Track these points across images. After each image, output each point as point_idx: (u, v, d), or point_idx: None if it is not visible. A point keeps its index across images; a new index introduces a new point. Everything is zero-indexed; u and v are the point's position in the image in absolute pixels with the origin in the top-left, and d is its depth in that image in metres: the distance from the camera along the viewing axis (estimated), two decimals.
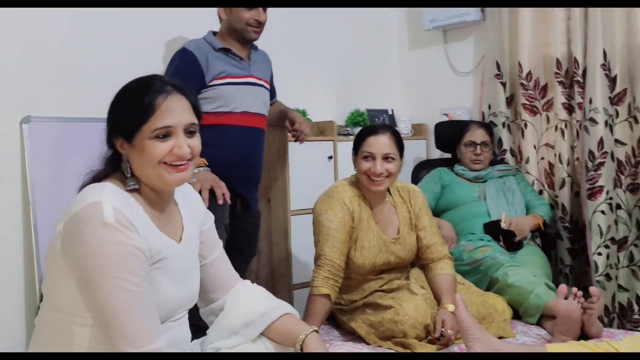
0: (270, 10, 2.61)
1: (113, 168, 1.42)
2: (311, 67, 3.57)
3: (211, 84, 2.46)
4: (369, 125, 2.94)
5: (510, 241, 2.75)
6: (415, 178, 3.28)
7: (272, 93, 2.79)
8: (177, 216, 1.52)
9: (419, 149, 3.72)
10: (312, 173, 3.10)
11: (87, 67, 2.62)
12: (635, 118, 2.82)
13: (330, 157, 3.21)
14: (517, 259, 2.64)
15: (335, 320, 2.37)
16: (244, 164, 2.55)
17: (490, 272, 2.52)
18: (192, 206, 1.59)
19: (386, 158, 2.21)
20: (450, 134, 3.31)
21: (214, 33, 2.60)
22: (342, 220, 2.20)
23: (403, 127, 3.69)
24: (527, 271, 2.47)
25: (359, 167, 2.25)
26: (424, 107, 3.86)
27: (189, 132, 1.39)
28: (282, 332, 1.58)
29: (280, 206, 3.01)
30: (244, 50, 2.58)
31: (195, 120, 1.41)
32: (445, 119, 3.62)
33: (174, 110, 1.36)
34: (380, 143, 2.21)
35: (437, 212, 3.00)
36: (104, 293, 1.25)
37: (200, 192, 2.22)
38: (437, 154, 3.61)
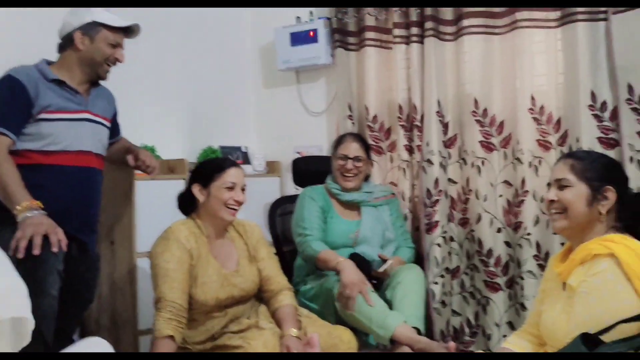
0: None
1: None
2: (162, 102, 3.80)
3: (40, 117, 2.44)
4: (218, 158, 3.20)
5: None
6: (273, 215, 3.62)
7: (116, 131, 2.87)
8: None
9: (272, 187, 4.13)
10: (162, 213, 2.98)
11: None
12: (464, 160, 3.47)
13: None
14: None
15: None
16: (79, 205, 2.56)
17: (332, 288, 2.89)
18: None
19: (242, 189, 2.59)
20: (308, 169, 3.71)
21: (49, 62, 2.58)
22: (179, 259, 2.41)
23: (257, 164, 4.10)
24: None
25: (218, 197, 2.52)
26: (278, 145, 4.29)
27: None
28: None
29: (125, 248, 3.08)
30: (85, 84, 2.60)
31: None
32: (299, 157, 4.10)
33: None
34: (242, 175, 2.60)
35: None
36: None
37: (32, 238, 2.25)
38: (291, 190, 4.04)
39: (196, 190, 2.57)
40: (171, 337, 2.31)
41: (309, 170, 3.71)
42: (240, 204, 2.57)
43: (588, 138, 3.02)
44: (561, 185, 1.99)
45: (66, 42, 2.58)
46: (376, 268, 3.08)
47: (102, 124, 2.68)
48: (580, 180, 1.96)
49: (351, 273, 2.88)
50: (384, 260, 3.14)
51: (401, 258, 3.26)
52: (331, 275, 3.00)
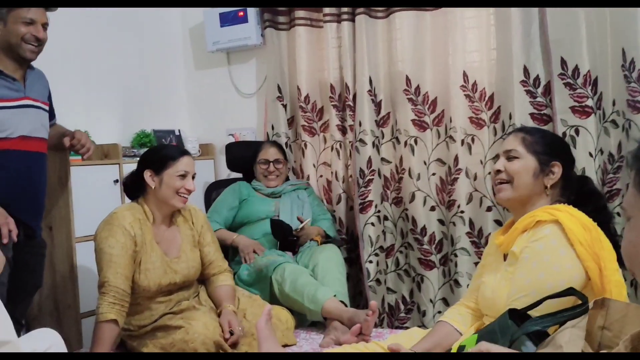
0: (49, 27, 2.53)
1: None
2: (93, 86, 3.54)
3: None
4: (171, 146, 3.08)
5: (288, 241, 3.07)
6: (209, 198, 3.46)
7: (52, 114, 2.72)
8: None
9: (207, 170, 3.87)
10: (97, 198, 3.07)
11: None
12: (397, 139, 3.25)
13: (116, 181, 3.22)
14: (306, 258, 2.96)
15: (125, 347, 2.45)
16: (26, 191, 2.46)
17: (269, 274, 2.79)
18: None
19: (193, 177, 2.48)
20: (241, 154, 3.53)
21: None
22: (124, 246, 2.32)
23: (191, 148, 3.79)
24: (302, 272, 2.76)
25: (171, 185, 2.41)
26: (211, 128, 4.02)
27: None
28: None
29: (63, 234, 2.95)
30: (19, 70, 2.47)
31: None
32: (232, 139, 3.82)
33: None
34: (193, 163, 2.50)
35: (235, 227, 3.20)
36: None
37: None
38: (224, 174, 3.80)
39: (147, 176, 2.44)
40: (114, 320, 2.25)
41: (242, 156, 3.52)
42: (190, 192, 2.47)
43: (521, 114, 2.82)
44: (510, 156, 1.89)
45: None
46: (296, 228, 3.11)
47: (42, 108, 2.54)
48: (529, 152, 1.87)
49: (245, 241, 3.04)
50: (301, 222, 3.15)
51: (320, 228, 3.24)
52: (268, 264, 2.85)
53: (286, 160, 3.41)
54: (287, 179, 3.44)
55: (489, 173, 2.90)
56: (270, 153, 3.33)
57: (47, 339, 1.76)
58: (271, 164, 3.31)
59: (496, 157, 1.96)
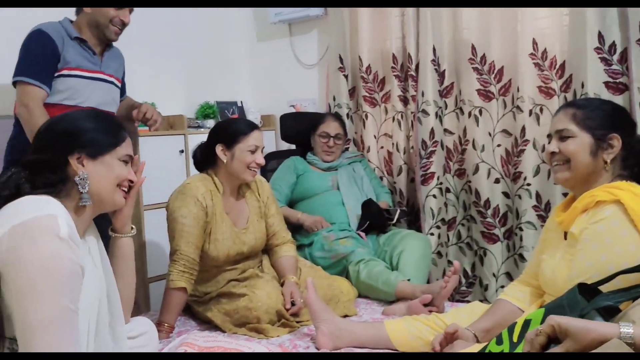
0: None
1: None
2: (159, 60, 3.55)
3: (60, 73, 2.38)
4: (241, 120, 2.87)
5: (382, 222, 2.98)
6: (264, 169, 3.37)
7: (123, 90, 2.77)
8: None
9: (268, 140, 3.80)
10: (164, 168, 3.11)
11: None
12: (461, 109, 3.11)
13: (182, 151, 3.24)
14: (392, 244, 2.86)
15: (191, 311, 2.46)
16: None
17: (348, 264, 2.72)
18: None
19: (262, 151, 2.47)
20: (294, 126, 3.47)
21: (71, 21, 2.50)
22: (195, 216, 2.32)
23: (253, 119, 3.77)
24: (379, 263, 2.68)
25: (242, 159, 2.39)
26: (272, 99, 3.96)
27: None
28: None
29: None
30: (99, 46, 2.52)
31: None
32: (292, 110, 3.76)
33: None
34: (262, 137, 2.46)
35: (293, 202, 3.15)
36: (42, 305, 1.24)
37: None
38: (286, 144, 3.74)
39: (219, 150, 2.42)
40: (184, 288, 2.28)
41: (296, 128, 3.47)
42: (261, 166, 2.46)
43: (594, 83, 2.62)
44: (562, 136, 1.74)
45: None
46: (392, 215, 3.03)
47: (114, 84, 2.60)
48: (583, 129, 1.71)
49: (310, 218, 3.00)
50: (388, 210, 3.06)
51: (386, 202, 3.19)
52: (347, 253, 2.77)
53: (345, 136, 3.32)
54: (342, 152, 3.35)
55: None
56: (332, 127, 3.24)
57: (145, 324, 1.85)
58: (332, 139, 3.22)
59: (549, 137, 1.80)
